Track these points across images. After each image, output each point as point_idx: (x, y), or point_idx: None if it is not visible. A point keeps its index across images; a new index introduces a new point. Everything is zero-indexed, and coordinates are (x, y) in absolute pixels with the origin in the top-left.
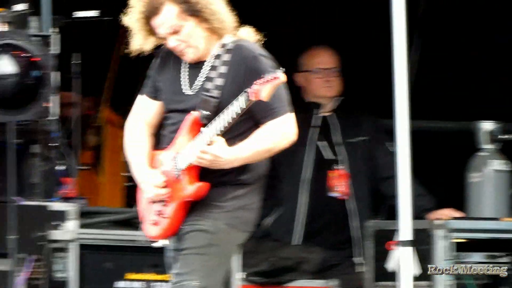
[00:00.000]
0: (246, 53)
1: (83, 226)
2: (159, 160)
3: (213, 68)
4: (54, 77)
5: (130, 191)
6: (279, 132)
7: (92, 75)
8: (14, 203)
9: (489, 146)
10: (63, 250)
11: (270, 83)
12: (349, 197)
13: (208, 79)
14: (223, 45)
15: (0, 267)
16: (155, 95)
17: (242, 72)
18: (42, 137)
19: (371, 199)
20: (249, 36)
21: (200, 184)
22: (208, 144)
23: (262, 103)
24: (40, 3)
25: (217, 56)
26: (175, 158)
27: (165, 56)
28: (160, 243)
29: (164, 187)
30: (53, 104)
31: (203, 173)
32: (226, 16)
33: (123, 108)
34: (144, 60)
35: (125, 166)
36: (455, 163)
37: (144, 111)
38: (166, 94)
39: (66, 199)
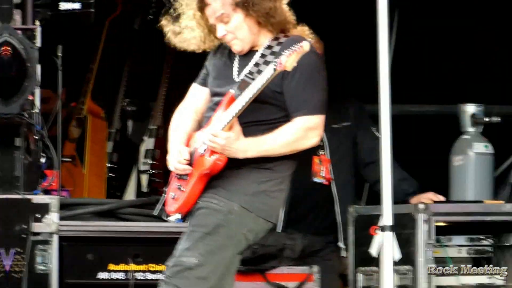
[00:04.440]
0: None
1: (64, 218)
2: (194, 138)
3: (263, 56)
4: (37, 70)
5: (112, 182)
6: (303, 131)
7: (74, 67)
8: None
9: (472, 129)
10: (45, 242)
11: (295, 53)
12: (333, 182)
13: (256, 65)
14: (276, 38)
15: None
16: (205, 82)
17: None
18: (24, 130)
19: (355, 184)
20: (304, 34)
21: (217, 155)
22: (223, 129)
23: (297, 96)
24: None
25: (269, 47)
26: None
27: (223, 45)
28: (173, 218)
29: (190, 164)
30: (36, 97)
31: None
32: (280, 12)
33: (105, 100)
34: (126, 51)
35: (108, 157)
36: (438, 146)
37: (194, 98)
38: (214, 77)
39: (48, 191)
